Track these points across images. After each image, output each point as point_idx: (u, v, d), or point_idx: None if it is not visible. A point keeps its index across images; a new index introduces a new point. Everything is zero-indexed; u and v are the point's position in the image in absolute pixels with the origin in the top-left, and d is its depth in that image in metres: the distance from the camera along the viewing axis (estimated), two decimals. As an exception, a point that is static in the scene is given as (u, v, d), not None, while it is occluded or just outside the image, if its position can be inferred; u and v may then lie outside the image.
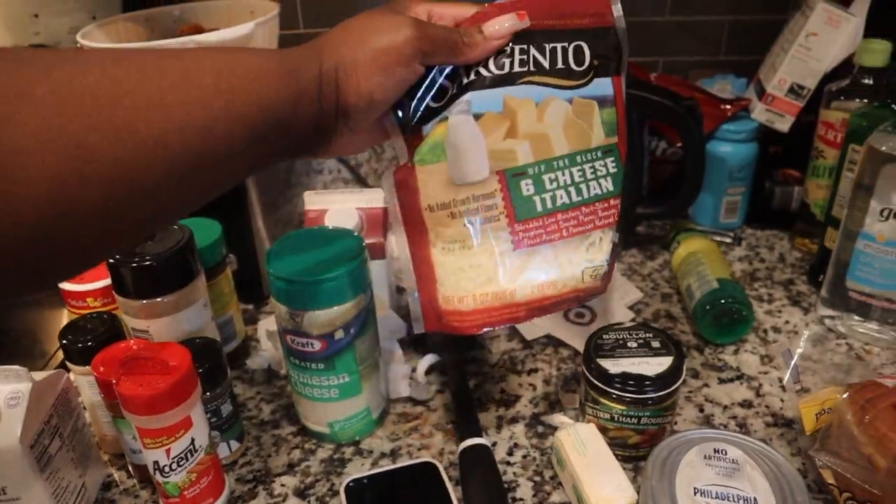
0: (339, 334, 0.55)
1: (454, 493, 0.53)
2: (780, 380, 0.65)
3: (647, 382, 0.53)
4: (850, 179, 0.70)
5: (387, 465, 0.57)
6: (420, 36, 0.42)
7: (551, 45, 0.46)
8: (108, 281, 0.62)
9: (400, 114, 0.46)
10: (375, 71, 0.41)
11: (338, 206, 0.71)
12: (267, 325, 0.73)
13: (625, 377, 0.53)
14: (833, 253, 0.72)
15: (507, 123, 0.46)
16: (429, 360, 0.67)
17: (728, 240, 0.89)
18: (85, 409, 0.59)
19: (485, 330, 0.49)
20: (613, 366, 0.54)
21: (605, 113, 0.48)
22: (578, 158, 0.48)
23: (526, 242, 0.48)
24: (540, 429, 0.61)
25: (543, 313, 0.50)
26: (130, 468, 0.58)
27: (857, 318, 0.71)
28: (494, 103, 0.46)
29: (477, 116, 0.46)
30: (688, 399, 0.64)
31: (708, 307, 0.69)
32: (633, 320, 0.74)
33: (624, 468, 0.51)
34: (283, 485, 0.57)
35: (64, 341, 0.55)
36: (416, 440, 0.61)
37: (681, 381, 0.54)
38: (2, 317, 0.81)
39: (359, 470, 0.58)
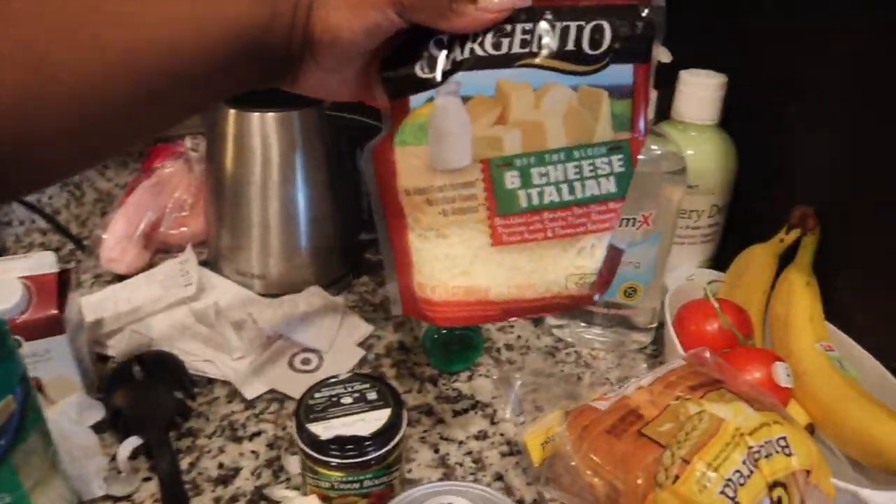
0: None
1: None
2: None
3: (367, 443, 0.47)
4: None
5: None
6: None
7: (563, 23, 0.39)
8: None
9: (387, 73, 0.41)
10: (345, 6, 0.38)
11: (-5, 278, 0.57)
12: None
13: (339, 441, 0.47)
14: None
15: (499, 109, 0.40)
16: (131, 443, 0.56)
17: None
18: None
19: (458, 326, 0.42)
20: (325, 430, 0.48)
21: (617, 104, 0.41)
22: (576, 153, 0.42)
23: (505, 239, 0.43)
24: (262, 505, 0.53)
25: (522, 315, 0.46)
26: None
27: (582, 324, 0.73)
28: (486, 86, 0.40)
29: (465, 99, 0.40)
30: (422, 440, 0.59)
31: (436, 336, 0.65)
32: (361, 359, 0.69)
33: (347, 545, 0.45)
34: None
35: None
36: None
37: (400, 434, 0.49)
38: None
39: None
